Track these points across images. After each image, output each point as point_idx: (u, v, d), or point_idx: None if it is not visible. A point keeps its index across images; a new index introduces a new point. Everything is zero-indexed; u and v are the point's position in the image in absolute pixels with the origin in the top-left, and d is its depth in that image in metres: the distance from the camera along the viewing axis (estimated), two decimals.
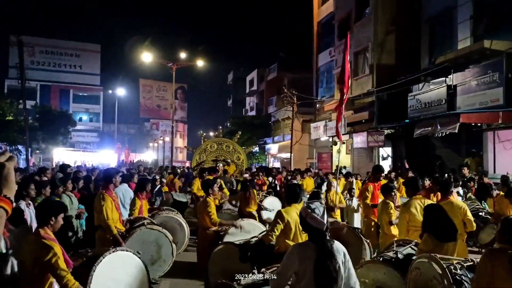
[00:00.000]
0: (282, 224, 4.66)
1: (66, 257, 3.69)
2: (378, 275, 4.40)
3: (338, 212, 8.98)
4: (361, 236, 6.39)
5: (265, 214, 9.30)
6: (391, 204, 6.45)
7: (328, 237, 3.06)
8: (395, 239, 5.55)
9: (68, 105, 60.16)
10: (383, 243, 6.31)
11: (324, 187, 12.05)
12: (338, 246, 3.03)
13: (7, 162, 1.49)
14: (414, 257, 4.33)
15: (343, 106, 8.98)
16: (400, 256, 4.58)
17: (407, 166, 15.23)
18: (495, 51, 13.46)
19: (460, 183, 9.89)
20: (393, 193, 6.56)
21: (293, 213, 4.70)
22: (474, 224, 5.35)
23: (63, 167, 13.42)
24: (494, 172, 13.59)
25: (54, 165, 21.47)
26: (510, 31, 13.61)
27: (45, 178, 9.42)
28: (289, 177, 14.26)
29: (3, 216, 1.41)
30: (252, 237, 5.57)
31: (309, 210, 3.12)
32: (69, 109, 56.96)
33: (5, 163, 1.49)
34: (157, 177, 13.29)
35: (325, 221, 3.05)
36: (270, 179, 14.66)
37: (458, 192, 9.63)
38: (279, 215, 4.77)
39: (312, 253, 2.98)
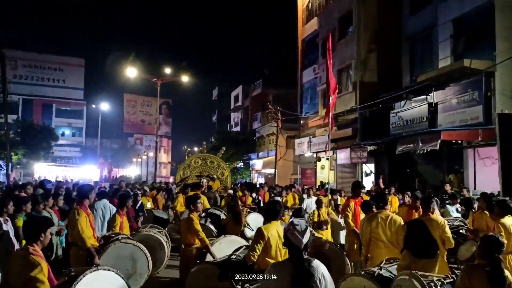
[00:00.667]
0: (263, 242, 4.62)
1: (51, 276, 3.65)
2: (358, 287, 4.54)
3: (329, 228, 8.91)
4: (343, 252, 6.45)
5: (249, 233, 9.20)
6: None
7: (305, 256, 3.04)
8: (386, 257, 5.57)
9: (50, 119, 59.50)
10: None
11: (306, 203, 12.05)
12: (316, 265, 3.02)
13: None
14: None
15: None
16: (383, 271, 4.63)
17: (381, 185, 15.33)
18: (475, 70, 13.79)
19: (459, 200, 9.96)
20: (373, 210, 6.61)
21: (273, 230, 4.66)
22: (453, 241, 5.39)
23: (43, 183, 13.22)
24: (475, 188, 13.79)
25: (33, 181, 21.08)
26: (489, 50, 13.96)
27: (24, 194, 9.25)
28: (272, 194, 14.21)
29: None
30: (233, 252, 5.51)
31: (291, 226, 3.13)
32: (52, 123, 56.36)
33: None
34: (139, 192, 13.16)
35: (304, 240, 3.03)
36: (254, 195, 14.63)
37: (456, 209, 9.75)
38: (259, 232, 4.72)
39: (288, 272, 2.97)
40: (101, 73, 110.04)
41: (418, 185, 15.33)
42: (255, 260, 4.66)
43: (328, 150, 11.05)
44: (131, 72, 27.05)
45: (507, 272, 3.55)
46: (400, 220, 5.88)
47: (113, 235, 6.55)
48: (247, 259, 4.70)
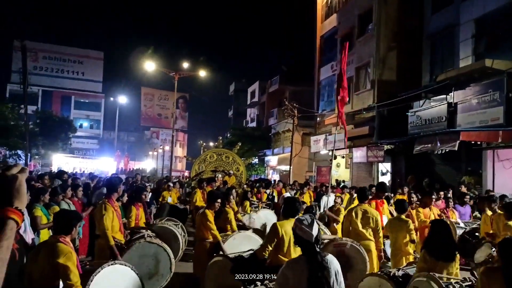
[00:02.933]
0: (276, 238, 4.63)
1: (78, 266, 3.73)
2: (374, 286, 4.67)
3: (339, 226, 8.88)
4: (364, 251, 6.42)
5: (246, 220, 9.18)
6: (410, 222, 6.49)
7: (318, 249, 3.03)
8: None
9: (69, 111, 60.35)
10: (398, 260, 6.31)
11: (323, 201, 12.00)
12: (331, 259, 3.01)
13: (20, 174, 1.50)
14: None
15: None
16: (401, 273, 4.63)
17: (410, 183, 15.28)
18: (496, 70, 13.54)
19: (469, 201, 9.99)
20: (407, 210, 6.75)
21: (288, 227, 4.66)
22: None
23: (59, 174, 13.41)
24: (493, 190, 13.57)
25: (49, 171, 21.40)
26: (511, 50, 13.71)
27: (40, 185, 9.40)
28: (293, 192, 14.11)
29: (14, 228, 1.41)
30: (248, 250, 5.55)
31: (298, 223, 3.13)
32: (70, 115, 57.14)
33: (17, 175, 1.49)
34: (147, 185, 13.37)
35: (314, 233, 3.01)
36: (268, 191, 14.67)
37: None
38: (273, 228, 4.72)
39: (304, 266, 2.98)
40: (119, 66, 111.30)
41: (426, 186, 15.13)
42: (266, 256, 4.68)
43: (332, 149, 11.12)
44: (150, 65, 27.24)
45: None
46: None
47: (136, 230, 6.62)
48: (258, 254, 4.74)
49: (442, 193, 10.36)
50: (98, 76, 65.80)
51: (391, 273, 4.68)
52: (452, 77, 15.14)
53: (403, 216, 6.55)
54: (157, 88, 68.23)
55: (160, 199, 12.09)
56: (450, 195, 10.53)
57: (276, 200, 13.48)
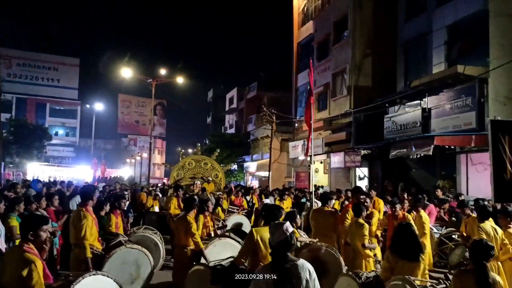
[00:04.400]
0: (252, 244, 4.65)
1: (46, 272, 3.65)
2: (344, 286, 5.03)
3: None
4: (339, 255, 6.48)
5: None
6: (366, 226, 6.55)
7: (286, 255, 3.01)
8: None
9: (44, 118, 59.26)
10: (359, 263, 6.37)
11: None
12: (302, 265, 3.00)
13: None
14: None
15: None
16: (371, 274, 4.92)
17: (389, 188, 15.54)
18: (468, 76, 13.90)
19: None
20: (363, 213, 6.75)
21: (265, 233, 4.67)
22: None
23: (31, 184, 13.15)
24: (467, 194, 13.88)
25: (22, 180, 20.95)
26: (483, 56, 14.10)
27: (11, 195, 9.20)
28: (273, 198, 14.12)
29: None
30: (228, 257, 5.55)
31: (270, 227, 3.15)
32: (45, 122, 56.09)
33: None
34: (125, 193, 13.27)
35: (276, 238, 3.00)
36: (248, 197, 14.67)
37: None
38: (249, 235, 4.77)
39: (270, 274, 2.98)
40: (96, 73, 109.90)
41: (400, 191, 15.33)
42: (245, 262, 4.70)
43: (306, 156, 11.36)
44: (126, 72, 26.99)
45: (498, 277, 3.63)
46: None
47: (113, 237, 6.57)
48: (237, 261, 4.77)
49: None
50: (73, 83, 64.78)
51: (360, 274, 4.92)
52: (426, 83, 15.48)
53: (360, 220, 6.63)
54: (134, 94, 67.64)
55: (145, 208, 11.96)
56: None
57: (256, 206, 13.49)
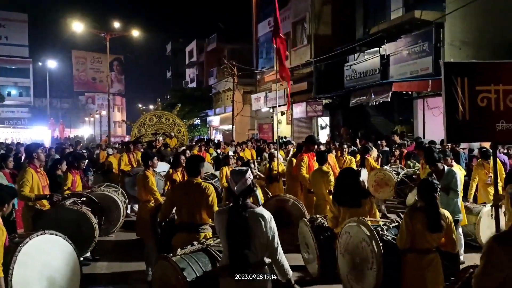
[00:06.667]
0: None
1: (6, 242, 3.56)
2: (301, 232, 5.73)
3: (281, 182, 8.97)
4: (304, 208, 6.66)
5: None
6: (331, 172, 6.66)
7: (241, 201, 3.03)
8: None
9: None
10: (322, 209, 6.49)
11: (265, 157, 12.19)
12: (259, 212, 3.02)
13: None
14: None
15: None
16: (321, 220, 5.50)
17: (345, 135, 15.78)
18: (425, 21, 13.99)
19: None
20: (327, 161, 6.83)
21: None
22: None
23: None
24: (424, 137, 14.31)
25: None
26: (439, 1, 14.14)
27: None
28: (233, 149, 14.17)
29: None
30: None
31: (231, 174, 3.16)
32: None
33: None
34: (83, 151, 13.05)
35: (237, 185, 3.02)
36: (219, 151, 14.70)
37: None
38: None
39: (225, 217, 3.04)
40: (46, 29, 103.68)
41: (361, 137, 15.67)
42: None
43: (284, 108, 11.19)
44: (78, 26, 25.60)
45: (447, 212, 3.80)
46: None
47: (66, 195, 6.44)
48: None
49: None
50: (23, 40, 61.15)
51: (317, 221, 5.41)
52: (384, 30, 15.50)
53: (324, 168, 6.73)
54: (89, 50, 64.80)
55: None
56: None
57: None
